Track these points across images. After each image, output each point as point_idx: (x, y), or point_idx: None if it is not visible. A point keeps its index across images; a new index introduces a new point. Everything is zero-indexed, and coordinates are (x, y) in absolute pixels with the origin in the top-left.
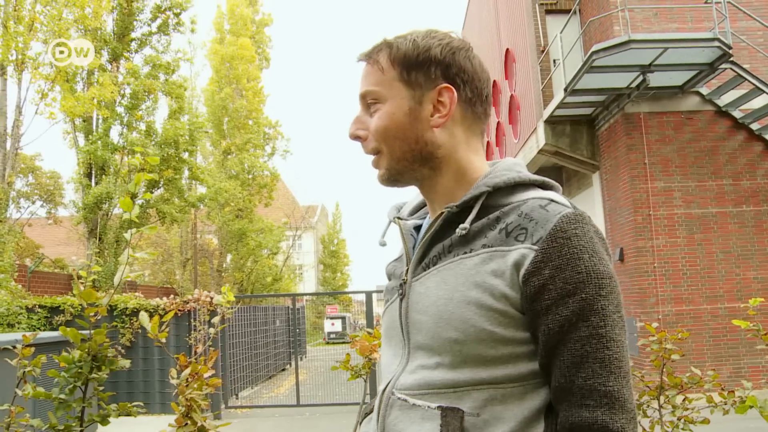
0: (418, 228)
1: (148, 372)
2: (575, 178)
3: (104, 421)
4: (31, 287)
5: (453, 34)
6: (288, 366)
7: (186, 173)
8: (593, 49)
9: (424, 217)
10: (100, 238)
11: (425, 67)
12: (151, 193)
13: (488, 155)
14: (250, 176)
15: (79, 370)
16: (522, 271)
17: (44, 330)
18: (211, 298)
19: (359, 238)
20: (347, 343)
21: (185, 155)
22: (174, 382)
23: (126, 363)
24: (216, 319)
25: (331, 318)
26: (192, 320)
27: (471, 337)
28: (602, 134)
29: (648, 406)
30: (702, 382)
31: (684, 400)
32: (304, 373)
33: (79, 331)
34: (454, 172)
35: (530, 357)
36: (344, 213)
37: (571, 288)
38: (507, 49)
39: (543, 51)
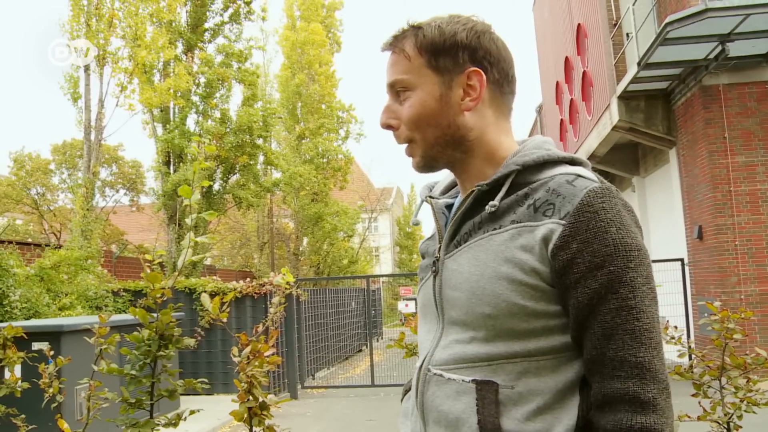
0: (449, 207)
1: (226, 353)
2: (651, 154)
3: (172, 395)
4: (116, 272)
5: (475, 18)
6: (364, 347)
7: (261, 159)
8: (667, 20)
9: (456, 196)
10: (179, 224)
11: (453, 52)
12: (227, 179)
13: (561, 133)
14: (325, 160)
15: (148, 348)
16: (550, 246)
17: (129, 313)
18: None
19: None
20: None
21: (259, 141)
22: (236, 359)
23: (191, 342)
24: (275, 300)
25: (406, 299)
26: (268, 303)
27: (503, 312)
28: (678, 108)
29: (709, 386)
30: (767, 363)
31: (748, 381)
32: (380, 354)
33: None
34: (485, 153)
35: (562, 330)
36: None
37: (599, 261)
38: (579, 24)
39: (615, 24)
